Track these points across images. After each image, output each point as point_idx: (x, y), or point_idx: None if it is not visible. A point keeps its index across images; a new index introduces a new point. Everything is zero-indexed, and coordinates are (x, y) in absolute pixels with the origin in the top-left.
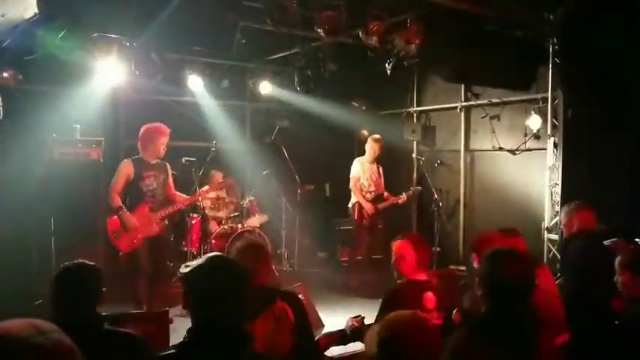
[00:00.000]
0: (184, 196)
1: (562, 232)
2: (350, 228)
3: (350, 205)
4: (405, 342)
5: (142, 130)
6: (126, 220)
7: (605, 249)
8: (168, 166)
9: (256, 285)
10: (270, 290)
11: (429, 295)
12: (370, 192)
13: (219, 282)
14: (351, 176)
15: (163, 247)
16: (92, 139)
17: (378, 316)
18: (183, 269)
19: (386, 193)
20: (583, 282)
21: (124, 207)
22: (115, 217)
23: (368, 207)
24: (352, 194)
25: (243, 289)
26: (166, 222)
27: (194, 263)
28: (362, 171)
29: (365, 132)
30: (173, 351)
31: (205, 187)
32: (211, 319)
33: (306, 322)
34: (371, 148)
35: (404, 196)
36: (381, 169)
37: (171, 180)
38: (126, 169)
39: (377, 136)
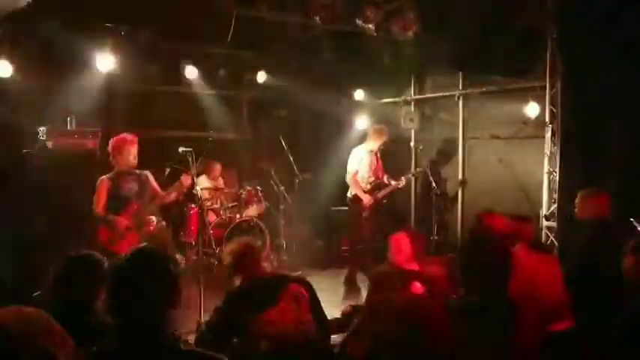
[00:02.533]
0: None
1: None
2: (349, 217)
3: (349, 196)
4: None
5: (110, 142)
6: (113, 222)
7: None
8: (150, 175)
9: (260, 276)
10: (279, 276)
11: (417, 284)
12: (370, 182)
13: (140, 282)
14: (348, 170)
15: (163, 244)
16: (88, 129)
17: (368, 297)
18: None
19: (385, 177)
20: (592, 266)
21: (108, 213)
22: (102, 224)
23: (367, 199)
24: (350, 187)
25: (164, 282)
26: (163, 222)
27: (116, 263)
28: (361, 163)
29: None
30: (93, 349)
31: (203, 176)
32: (132, 319)
33: (319, 303)
34: (378, 138)
35: (403, 180)
36: (378, 154)
37: (156, 185)
38: (103, 184)
39: (381, 126)
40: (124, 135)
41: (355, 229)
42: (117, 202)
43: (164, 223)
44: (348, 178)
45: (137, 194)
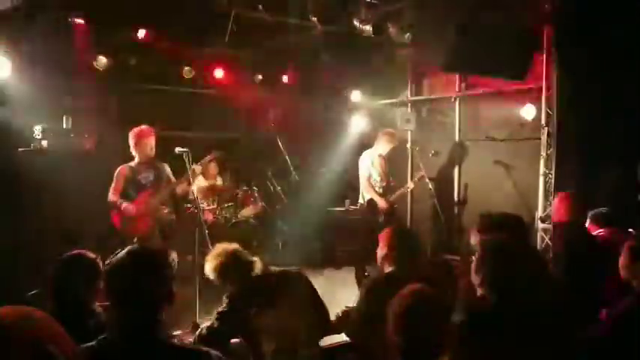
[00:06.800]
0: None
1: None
2: (363, 222)
3: (362, 202)
4: None
5: (130, 134)
6: (125, 210)
7: (592, 238)
8: (167, 167)
9: (255, 277)
10: (277, 276)
11: None
12: (382, 186)
13: (138, 279)
14: (360, 175)
15: (172, 231)
16: (85, 129)
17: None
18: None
19: (392, 181)
20: (571, 270)
21: (121, 200)
22: (115, 211)
23: (383, 204)
24: (363, 192)
25: (163, 282)
26: (173, 216)
27: (114, 260)
28: (372, 166)
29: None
30: (92, 344)
31: (199, 176)
32: (132, 316)
33: (317, 296)
34: (388, 142)
35: (411, 184)
36: (385, 158)
37: (172, 176)
38: (122, 171)
39: (392, 130)
40: (141, 127)
41: (370, 235)
42: (133, 187)
43: (174, 216)
44: (363, 183)
45: (152, 182)
